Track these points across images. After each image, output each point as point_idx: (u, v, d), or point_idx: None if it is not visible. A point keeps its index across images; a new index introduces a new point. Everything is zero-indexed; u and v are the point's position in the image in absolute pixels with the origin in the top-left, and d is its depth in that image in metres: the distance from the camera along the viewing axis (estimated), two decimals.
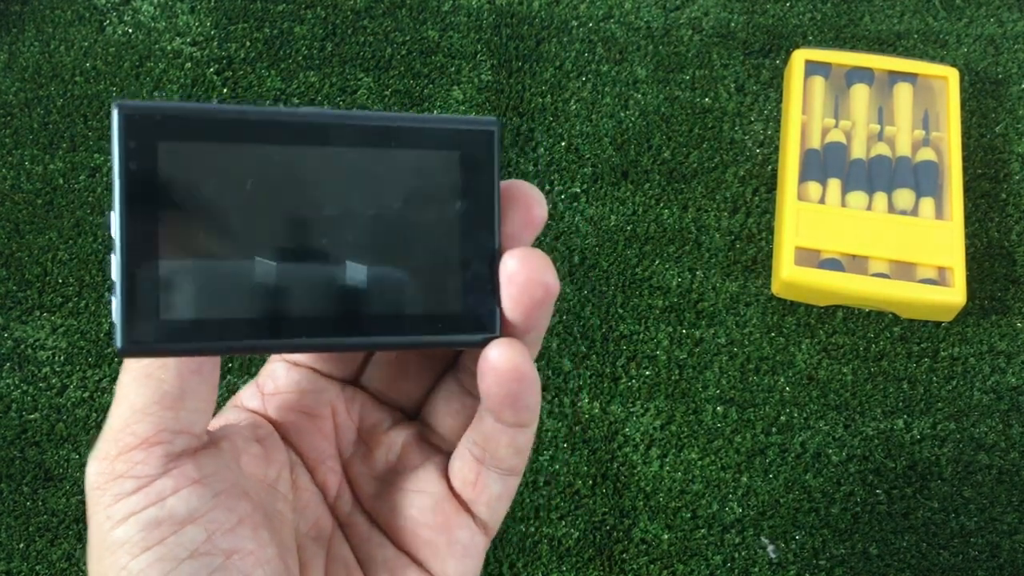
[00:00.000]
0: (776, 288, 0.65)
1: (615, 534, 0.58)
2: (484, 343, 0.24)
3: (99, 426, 0.61)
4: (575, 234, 0.68)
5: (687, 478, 0.60)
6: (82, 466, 0.60)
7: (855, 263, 0.65)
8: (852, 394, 0.62)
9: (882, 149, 0.68)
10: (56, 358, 0.63)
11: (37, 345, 0.64)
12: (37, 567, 0.57)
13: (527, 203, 0.24)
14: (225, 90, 0.74)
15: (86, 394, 0.62)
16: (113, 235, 0.21)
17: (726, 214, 0.69)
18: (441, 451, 0.28)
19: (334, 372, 0.28)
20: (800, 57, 0.71)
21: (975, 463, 0.60)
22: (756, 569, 0.57)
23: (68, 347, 0.64)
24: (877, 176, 0.67)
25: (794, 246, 0.64)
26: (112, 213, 0.21)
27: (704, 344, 0.64)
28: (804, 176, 0.67)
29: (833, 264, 0.64)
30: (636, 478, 0.60)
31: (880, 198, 0.66)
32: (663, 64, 0.75)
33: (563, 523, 0.59)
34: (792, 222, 0.65)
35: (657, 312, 0.65)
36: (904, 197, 0.66)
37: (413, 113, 0.29)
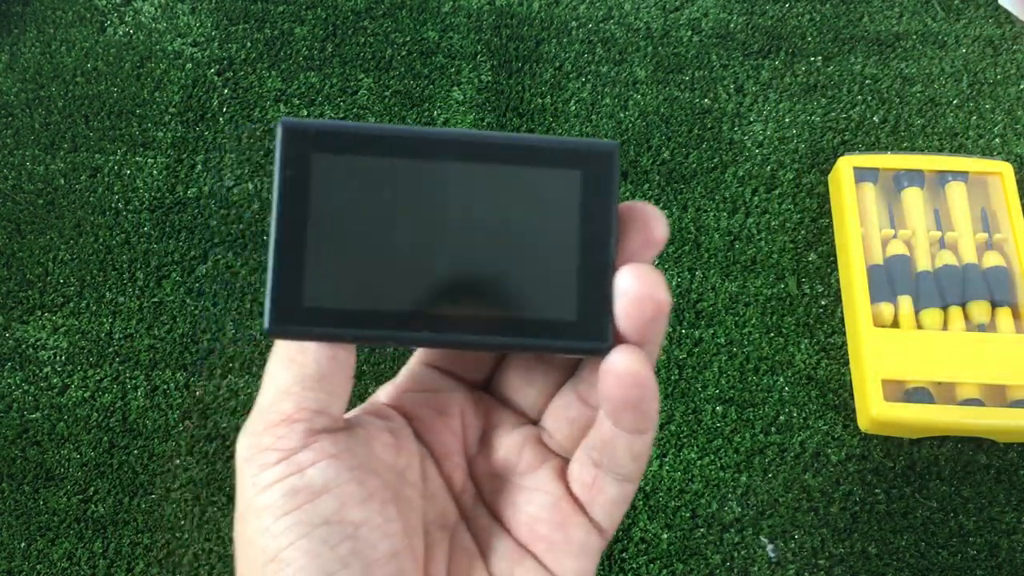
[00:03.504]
0: (864, 425, 0.61)
1: (614, 533, 0.58)
2: (595, 351, 0.25)
3: (99, 425, 0.61)
4: None
5: (686, 477, 0.60)
6: (83, 466, 0.60)
7: (942, 388, 0.61)
8: (851, 394, 0.62)
9: (947, 258, 0.64)
10: (57, 358, 0.63)
11: (38, 345, 0.64)
12: (38, 566, 0.57)
13: (646, 222, 0.25)
14: (226, 91, 0.74)
15: (87, 394, 0.62)
16: (269, 231, 0.24)
17: (725, 214, 0.69)
18: (558, 455, 0.29)
19: (465, 376, 0.30)
20: (847, 164, 0.67)
21: (974, 462, 0.60)
22: (755, 568, 0.57)
23: (69, 347, 0.64)
24: (948, 289, 0.63)
25: (879, 379, 0.60)
26: (270, 213, 0.23)
27: (703, 344, 0.64)
28: (873, 297, 0.63)
29: (922, 394, 0.60)
30: None
31: (955, 313, 0.62)
32: (662, 65, 0.76)
33: None
34: (872, 352, 0.60)
35: None
36: (980, 310, 0.62)
37: (539, 135, 0.31)
